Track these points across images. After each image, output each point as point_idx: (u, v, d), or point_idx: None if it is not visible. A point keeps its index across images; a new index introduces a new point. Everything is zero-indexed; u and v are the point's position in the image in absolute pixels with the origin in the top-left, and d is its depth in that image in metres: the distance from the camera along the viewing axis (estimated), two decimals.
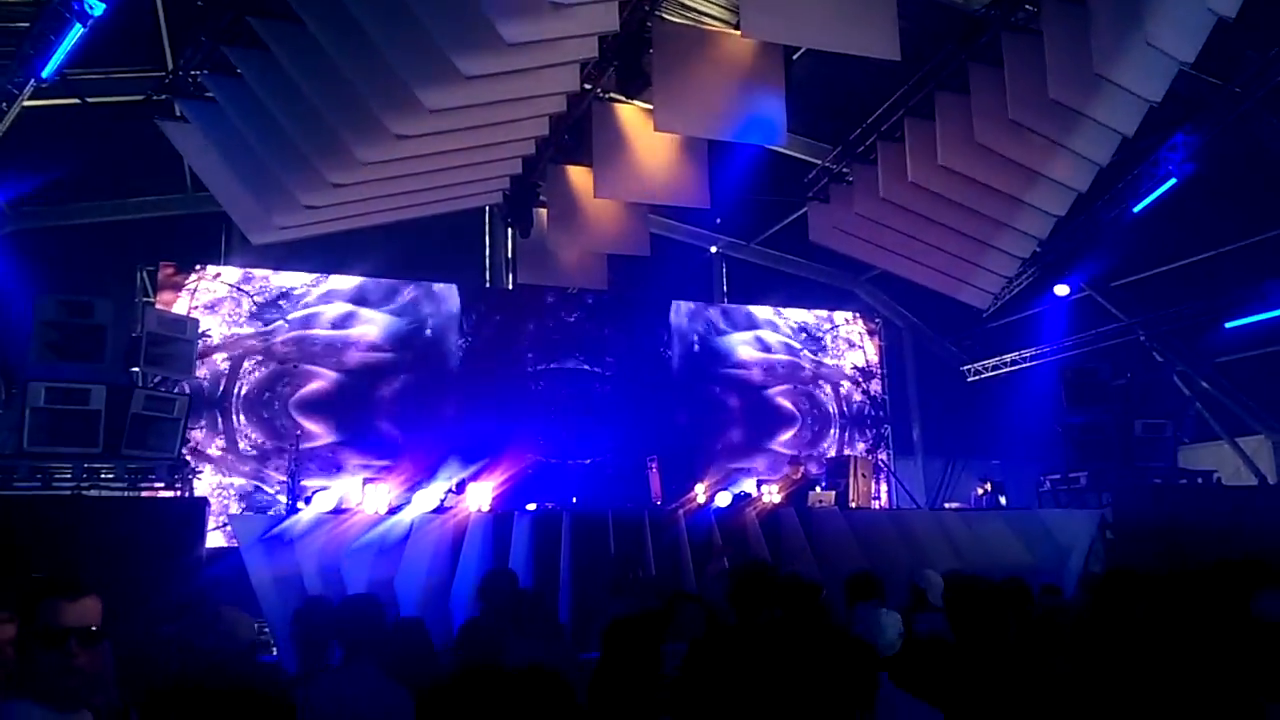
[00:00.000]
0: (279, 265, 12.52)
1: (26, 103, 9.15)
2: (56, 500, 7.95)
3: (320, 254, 12.18)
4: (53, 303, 8.56)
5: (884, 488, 13.98)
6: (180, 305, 11.92)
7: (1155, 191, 10.97)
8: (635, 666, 3.38)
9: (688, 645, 3.77)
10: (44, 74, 8.55)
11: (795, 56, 9.94)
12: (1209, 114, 10.23)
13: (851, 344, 15.78)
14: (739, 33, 8.92)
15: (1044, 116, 9.05)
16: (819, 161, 12.28)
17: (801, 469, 11.43)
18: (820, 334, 15.63)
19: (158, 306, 11.50)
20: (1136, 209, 11.26)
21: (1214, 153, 10.47)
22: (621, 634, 3.58)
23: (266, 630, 7.19)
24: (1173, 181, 10.76)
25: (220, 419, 12.12)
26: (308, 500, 8.74)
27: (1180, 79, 8.93)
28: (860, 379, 15.68)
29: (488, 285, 14.27)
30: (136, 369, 9.08)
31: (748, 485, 12.36)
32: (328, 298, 12.88)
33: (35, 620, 2.37)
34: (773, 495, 10.28)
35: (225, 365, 12.22)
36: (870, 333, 15.95)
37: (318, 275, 12.82)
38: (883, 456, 14.90)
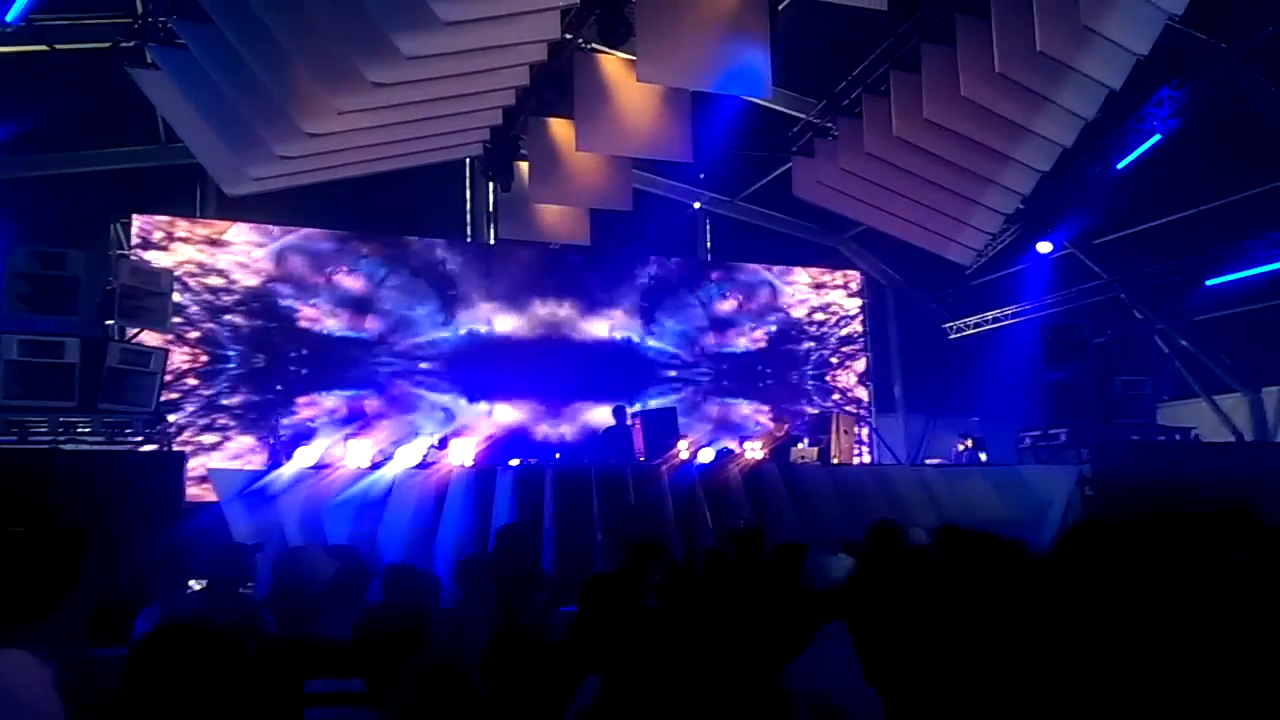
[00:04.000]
0: (253, 217, 12.33)
1: None
2: (33, 454, 7.87)
3: (296, 206, 12.00)
4: (24, 254, 8.40)
5: (866, 444, 14.07)
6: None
7: (1140, 147, 10.91)
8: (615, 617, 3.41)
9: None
10: (8, 18, 8.33)
11: (780, 6, 9.78)
12: (1195, 69, 10.16)
13: (833, 301, 15.77)
14: None
15: (1031, 69, 8.96)
16: (803, 115, 12.15)
17: (786, 425, 11.45)
18: (803, 290, 15.60)
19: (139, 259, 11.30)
20: (1120, 165, 11.19)
21: (1199, 109, 10.41)
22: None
23: (250, 585, 7.16)
24: (1157, 137, 10.71)
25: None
26: (289, 455, 8.67)
27: (1167, 33, 8.87)
28: (842, 335, 15.70)
29: (469, 239, 14.12)
30: (111, 322, 8.96)
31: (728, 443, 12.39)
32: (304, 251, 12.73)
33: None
34: (756, 451, 10.30)
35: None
36: (852, 289, 15.94)
37: (281, 228, 12.62)
38: (864, 412, 14.96)
